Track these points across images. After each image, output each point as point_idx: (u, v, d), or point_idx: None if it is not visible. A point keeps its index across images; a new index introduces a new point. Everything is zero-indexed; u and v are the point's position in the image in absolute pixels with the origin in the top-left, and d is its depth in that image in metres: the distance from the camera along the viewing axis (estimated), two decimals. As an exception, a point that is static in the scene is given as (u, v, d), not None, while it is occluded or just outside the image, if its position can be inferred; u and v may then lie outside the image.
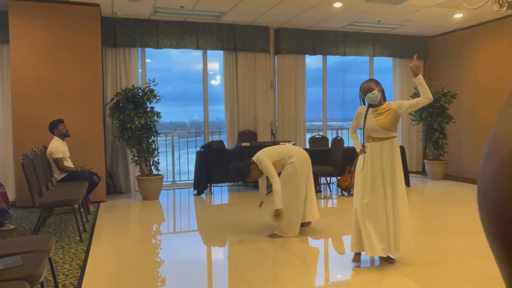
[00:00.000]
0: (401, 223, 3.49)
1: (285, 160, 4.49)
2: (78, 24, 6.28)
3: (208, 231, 4.92)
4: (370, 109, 3.57)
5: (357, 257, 3.66)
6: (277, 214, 4.21)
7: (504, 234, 0.76)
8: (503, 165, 0.76)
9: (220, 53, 7.84)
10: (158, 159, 6.79)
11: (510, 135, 0.78)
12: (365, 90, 3.59)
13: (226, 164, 7.00)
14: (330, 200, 6.52)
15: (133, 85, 6.76)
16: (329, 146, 7.60)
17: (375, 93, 3.53)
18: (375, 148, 3.56)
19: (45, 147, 5.51)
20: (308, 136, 8.26)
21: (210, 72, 8.13)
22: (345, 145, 6.92)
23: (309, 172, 4.56)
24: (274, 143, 6.73)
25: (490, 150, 0.82)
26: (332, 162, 6.85)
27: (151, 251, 4.24)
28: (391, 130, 3.55)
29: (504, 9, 4.52)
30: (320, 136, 8.20)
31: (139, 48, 7.37)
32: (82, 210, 4.98)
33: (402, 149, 7.54)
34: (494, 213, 0.78)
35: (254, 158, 4.47)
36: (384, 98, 3.64)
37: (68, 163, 5.60)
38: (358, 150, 3.72)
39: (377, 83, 3.61)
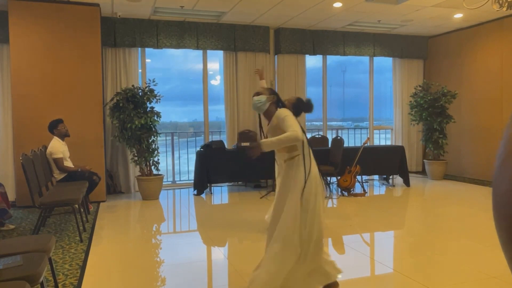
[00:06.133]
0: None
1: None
2: (78, 24, 6.27)
3: (208, 231, 4.92)
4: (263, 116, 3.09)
5: None
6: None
7: None
8: None
9: (220, 53, 7.84)
10: (158, 159, 6.79)
11: None
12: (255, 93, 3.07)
13: (226, 164, 7.06)
14: (330, 200, 6.52)
15: (133, 85, 6.76)
16: (329, 146, 7.60)
17: (261, 98, 2.97)
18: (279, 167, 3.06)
19: (45, 147, 5.51)
20: (308, 136, 8.22)
21: (210, 72, 8.13)
22: (345, 145, 6.92)
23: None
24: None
25: (506, 151, 0.73)
26: (332, 162, 6.86)
27: (151, 251, 4.24)
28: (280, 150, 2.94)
29: (504, 9, 4.53)
30: (320, 136, 8.20)
31: (139, 48, 7.36)
32: (82, 210, 4.98)
33: (402, 149, 7.59)
34: None
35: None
36: (279, 106, 3.01)
37: (68, 163, 5.60)
38: None
39: (272, 92, 3.03)
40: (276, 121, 2.89)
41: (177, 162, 8.10)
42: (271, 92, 3.03)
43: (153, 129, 6.62)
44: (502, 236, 0.72)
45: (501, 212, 0.71)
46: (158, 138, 6.83)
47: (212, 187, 7.27)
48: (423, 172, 8.83)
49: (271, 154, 4.69)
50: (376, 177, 8.32)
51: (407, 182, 7.46)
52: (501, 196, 0.70)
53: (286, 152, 2.91)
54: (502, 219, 0.71)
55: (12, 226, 4.93)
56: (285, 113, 2.87)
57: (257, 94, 3.01)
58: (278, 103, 3.03)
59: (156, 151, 6.70)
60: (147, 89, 6.62)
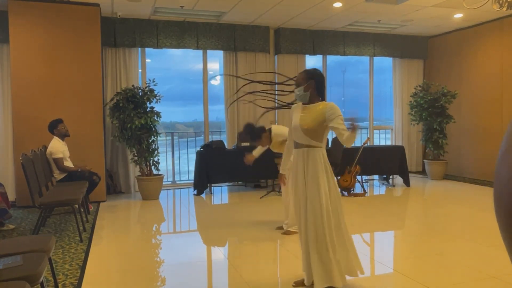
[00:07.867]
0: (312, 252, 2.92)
1: None
2: (78, 24, 6.27)
3: (208, 231, 4.92)
4: (301, 105, 3.06)
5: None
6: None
7: None
8: None
9: (220, 53, 7.83)
10: (158, 159, 6.79)
11: None
12: (295, 82, 3.06)
13: (226, 164, 7.05)
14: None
15: (133, 85, 6.75)
16: (329, 146, 7.60)
17: (301, 91, 2.98)
18: (298, 155, 3.01)
19: (45, 147, 5.51)
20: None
21: (210, 72, 8.13)
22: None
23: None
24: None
25: (508, 142, 0.71)
26: (332, 162, 6.80)
27: (151, 251, 4.24)
28: (313, 137, 2.95)
29: (504, 9, 4.53)
30: (320, 136, 8.17)
31: (139, 48, 7.36)
32: (82, 210, 4.98)
33: (402, 149, 7.59)
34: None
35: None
36: (320, 96, 3.03)
37: (68, 163, 5.60)
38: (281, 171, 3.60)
39: (309, 76, 3.00)
40: (327, 114, 2.96)
41: (177, 162, 8.10)
42: (308, 77, 3.00)
43: (153, 129, 6.62)
44: (501, 223, 0.72)
45: (501, 199, 0.71)
46: (158, 138, 6.83)
47: (212, 187, 7.27)
48: (423, 172, 8.83)
49: (269, 155, 4.67)
50: (376, 177, 8.31)
51: (407, 182, 7.46)
52: (502, 183, 0.71)
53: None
54: (502, 205, 0.71)
55: (12, 226, 4.92)
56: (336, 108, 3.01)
57: (297, 85, 3.03)
58: (320, 89, 3.02)
59: (156, 151, 6.70)
60: (147, 89, 6.62)
